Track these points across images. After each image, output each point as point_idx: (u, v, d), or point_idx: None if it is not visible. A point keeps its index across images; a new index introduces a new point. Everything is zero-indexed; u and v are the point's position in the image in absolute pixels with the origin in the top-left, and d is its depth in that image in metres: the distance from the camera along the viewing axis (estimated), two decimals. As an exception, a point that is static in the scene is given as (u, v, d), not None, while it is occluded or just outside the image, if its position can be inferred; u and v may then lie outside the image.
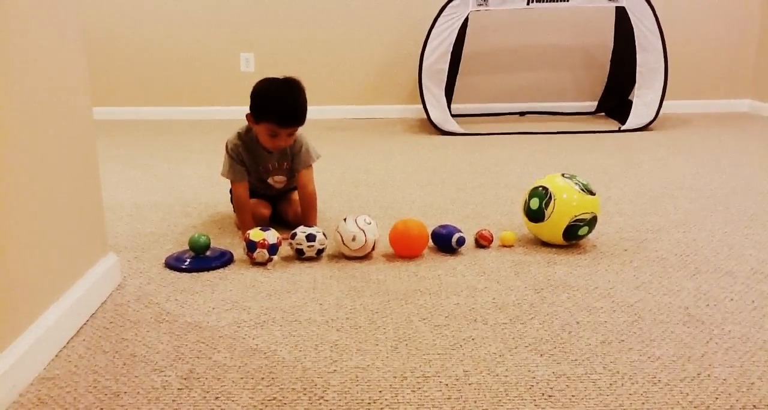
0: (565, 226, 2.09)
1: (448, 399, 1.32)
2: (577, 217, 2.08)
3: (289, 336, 1.58)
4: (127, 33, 4.81)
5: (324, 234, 2.07)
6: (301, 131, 2.30)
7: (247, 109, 2.24)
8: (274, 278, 1.94)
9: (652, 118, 4.20)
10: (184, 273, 1.97)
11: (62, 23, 1.61)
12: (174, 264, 2.02)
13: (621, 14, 4.35)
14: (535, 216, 2.14)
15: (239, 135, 2.32)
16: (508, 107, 4.91)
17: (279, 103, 2.18)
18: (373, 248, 2.07)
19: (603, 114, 4.85)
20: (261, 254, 2.00)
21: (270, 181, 2.39)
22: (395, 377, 1.40)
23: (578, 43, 4.88)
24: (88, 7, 4.52)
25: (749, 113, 4.90)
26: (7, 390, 1.31)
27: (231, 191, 2.38)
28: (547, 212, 2.10)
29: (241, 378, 1.41)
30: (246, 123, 2.29)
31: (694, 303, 1.74)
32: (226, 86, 4.84)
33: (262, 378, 1.40)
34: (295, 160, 2.33)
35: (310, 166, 2.34)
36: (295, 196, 2.40)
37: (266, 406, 1.31)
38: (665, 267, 2.00)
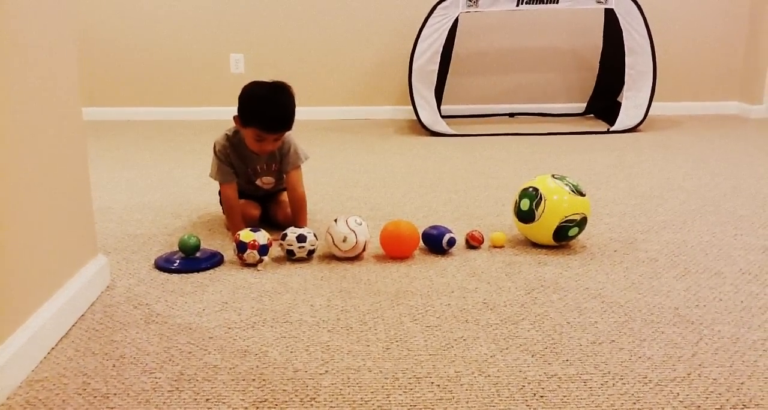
0: (555, 227, 2.09)
1: (440, 400, 1.32)
2: (568, 218, 2.09)
3: (280, 338, 1.58)
4: (116, 34, 4.78)
5: (315, 235, 2.06)
6: (290, 132, 2.29)
7: (236, 111, 2.23)
8: (264, 279, 1.93)
9: (640, 120, 4.21)
10: (174, 275, 1.96)
11: (53, 24, 1.60)
12: (164, 265, 2.01)
13: (610, 16, 4.36)
14: (525, 217, 2.14)
15: (227, 136, 2.30)
16: (497, 108, 4.92)
17: (265, 108, 2.17)
18: (364, 249, 2.07)
19: (592, 115, 4.87)
20: (251, 255, 2.00)
21: (258, 182, 2.38)
22: (387, 378, 1.40)
23: (567, 45, 4.89)
24: (78, 8, 4.49)
25: (738, 115, 4.93)
26: (-5, 392, 1.30)
27: (220, 192, 2.37)
28: (538, 213, 2.10)
29: (232, 379, 1.40)
30: (234, 124, 2.28)
31: (683, 304, 1.75)
32: (215, 87, 4.82)
33: (253, 380, 1.40)
34: (283, 162, 2.32)
35: (299, 167, 2.33)
36: (285, 197, 2.40)
37: (257, 408, 1.30)
38: (655, 267, 2.01)
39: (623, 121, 4.22)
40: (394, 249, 2.09)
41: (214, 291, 1.85)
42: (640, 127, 4.24)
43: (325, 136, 4.20)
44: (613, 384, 1.37)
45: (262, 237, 2.02)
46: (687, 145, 3.87)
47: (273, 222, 2.40)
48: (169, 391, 1.36)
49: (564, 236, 2.12)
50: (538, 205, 2.10)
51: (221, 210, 2.42)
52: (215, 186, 2.41)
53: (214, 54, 4.81)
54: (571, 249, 2.17)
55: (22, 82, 1.45)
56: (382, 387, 1.37)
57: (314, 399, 1.33)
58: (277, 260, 2.07)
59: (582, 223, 2.12)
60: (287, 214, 2.35)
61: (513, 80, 4.95)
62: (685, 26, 4.86)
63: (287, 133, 2.28)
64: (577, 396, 1.33)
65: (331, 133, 4.35)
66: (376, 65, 4.87)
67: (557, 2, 4.12)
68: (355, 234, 2.03)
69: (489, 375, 1.41)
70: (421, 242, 2.14)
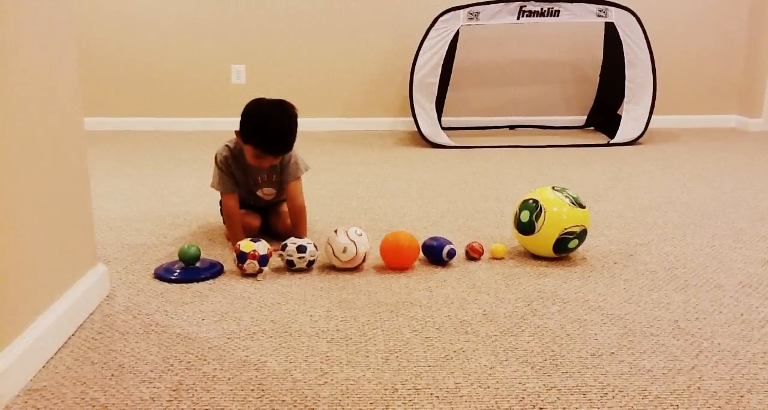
0: (555, 239, 2.09)
1: (439, 411, 1.32)
2: (567, 230, 2.09)
3: (279, 348, 1.58)
4: (118, 44, 4.80)
5: (315, 246, 2.07)
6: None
7: (238, 121, 2.23)
8: (264, 289, 1.93)
9: (640, 133, 4.23)
10: (174, 284, 1.96)
11: (54, 34, 1.61)
12: (163, 275, 2.01)
13: (610, 30, 4.39)
14: (525, 228, 2.14)
15: (228, 147, 2.31)
16: (498, 121, 4.93)
17: (266, 131, 2.16)
18: (364, 260, 2.07)
19: (592, 128, 4.88)
20: (251, 265, 2.00)
21: (259, 193, 2.38)
22: (386, 389, 1.40)
23: (568, 58, 4.92)
24: (79, 18, 4.51)
25: (736, 128, 4.94)
26: (-7, 401, 1.30)
27: (221, 202, 2.37)
28: (538, 225, 2.10)
29: (231, 389, 1.40)
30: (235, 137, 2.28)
31: (683, 316, 1.75)
32: (217, 98, 4.83)
33: (252, 390, 1.40)
34: (284, 172, 2.33)
35: (299, 178, 2.33)
36: (285, 208, 2.40)
37: (256, 418, 1.30)
38: (655, 280, 2.01)
39: (623, 133, 4.24)
40: (394, 260, 2.09)
41: (214, 301, 1.85)
42: (640, 139, 4.25)
43: (325, 147, 4.21)
44: (613, 397, 1.37)
45: (262, 247, 2.02)
46: (686, 157, 3.88)
47: (273, 232, 2.40)
48: (167, 401, 1.36)
49: (564, 248, 2.12)
50: (538, 216, 2.10)
51: (221, 221, 2.42)
52: (215, 196, 2.42)
53: (216, 65, 4.83)
54: (571, 261, 2.17)
55: (23, 91, 1.45)
56: (381, 398, 1.37)
57: (313, 409, 1.33)
58: (277, 270, 2.07)
59: (582, 235, 2.12)
60: (287, 225, 2.35)
61: (513, 92, 4.97)
62: (685, 40, 4.89)
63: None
64: (576, 408, 1.33)
65: (331, 143, 4.36)
66: (377, 77, 4.89)
67: (558, 16, 4.15)
68: (355, 245, 2.03)
69: (488, 387, 1.41)
70: (421, 253, 2.14)
